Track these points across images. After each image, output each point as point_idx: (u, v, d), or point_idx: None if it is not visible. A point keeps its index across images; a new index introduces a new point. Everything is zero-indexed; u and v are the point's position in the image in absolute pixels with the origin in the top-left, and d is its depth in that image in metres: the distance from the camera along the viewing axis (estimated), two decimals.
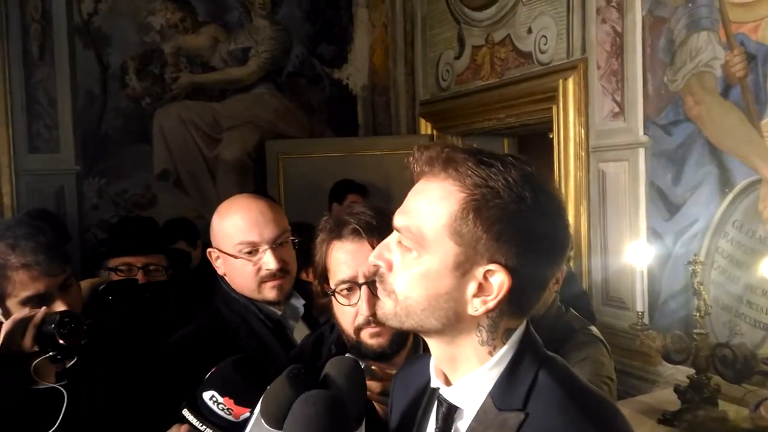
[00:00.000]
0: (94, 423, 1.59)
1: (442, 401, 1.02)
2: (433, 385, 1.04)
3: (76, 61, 4.47)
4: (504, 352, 0.97)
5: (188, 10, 4.83)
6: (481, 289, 0.94)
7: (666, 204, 3.06)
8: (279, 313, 1.86)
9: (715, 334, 2.72)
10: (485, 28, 4.21)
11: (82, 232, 4.45)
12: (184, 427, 1.36)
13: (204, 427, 1.29)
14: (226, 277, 1.86)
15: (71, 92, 4.42)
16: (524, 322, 1.00)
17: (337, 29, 5.27)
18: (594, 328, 1.93)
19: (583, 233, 3.46)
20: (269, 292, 1.81)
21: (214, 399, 1.27)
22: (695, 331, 2.38)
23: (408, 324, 0.98)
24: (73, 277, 1.64)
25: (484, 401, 0.96)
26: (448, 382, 1.02)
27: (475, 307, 0.94)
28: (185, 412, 1.31)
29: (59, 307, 1.55)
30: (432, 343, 1.01)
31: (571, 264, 3.44)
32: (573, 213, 3.50)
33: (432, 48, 4.76)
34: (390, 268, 0.98)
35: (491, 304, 0.94)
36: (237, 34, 4.98)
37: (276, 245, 1.79)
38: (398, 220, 0.99)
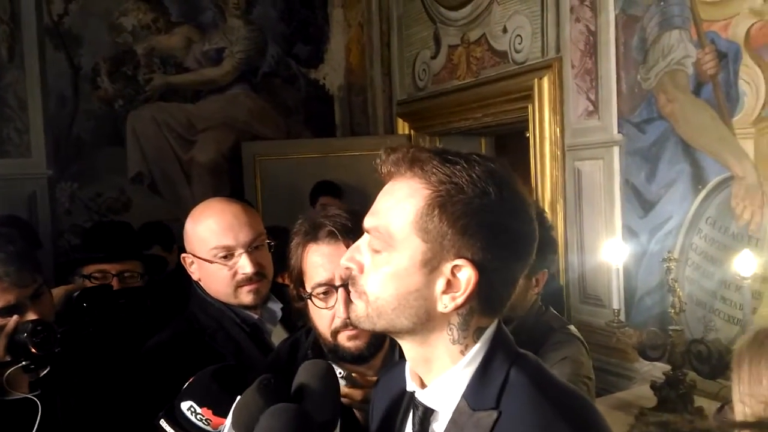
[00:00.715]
0: None
1: (417, 405, 1.02)
2: (408, 388, 1.05)
3: (47, 63, 4.39)
4: (476, 351, 0.98)
5: (161, 11, 4.77)
6: (449, 286, 0.95)
7: (641, 201, 3.09)
8: (256, 317, 1.85)
9: (690, 330, 2.75)
10: (461, 28, 4.22)
11: (55, 238, 4.38)
12: None
13: None
14: (201, 282, 1.84)
15: (42, 95, 4.34)
16: (496, 321, 1.01)
17: (313, 29, 5.25)
18: (572, 327, 1.94)
19: (560, 231, 3.48)
20: (246, 297, 1.79)
21: (192, 409, 1.26)
22: (670, 327, 2.41)
23: (380, 325, 0.99)
24: (44, 285, 1.61)
25: (459, 402, 0.97)
26: (423, 385, 1.02)
27: (445, 303, 0.95)
28: (162, 422, 1.29)
29: (31, 316, 1.53)
30: (405, 345, 1.02)
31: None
32: (549, 211, 3.52)
33: (408, 48, 4.77)
34: (361, 270, 1.00)
35: (460, 300, 0.95)
36: (211, 34, 4.93)
37: (252, 249, 1.78)
38: (367, 221, 1.00)
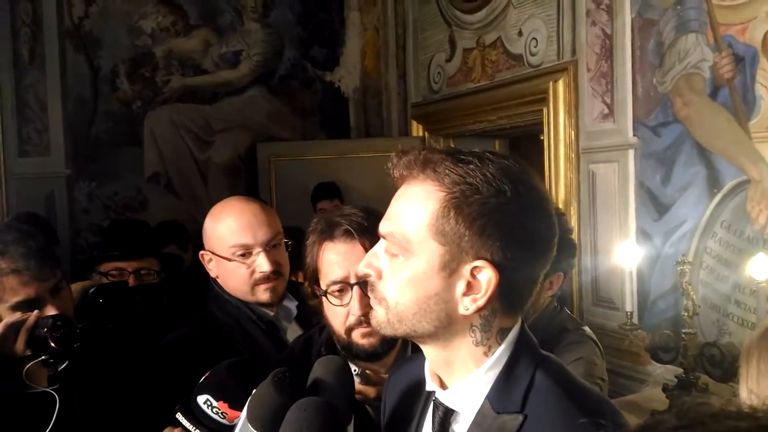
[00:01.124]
0: (87, 426, 1.59)
1: (438, 405, 1.01)
2: (428, 388, 1.04)
3: (67, 64, 4.46)
4: (500, 354, 0.97)
5: (180, 14, 4.83)
6: (470, 288, 0.93)
7: (655, 204, 3.08)
8: (272, 314, 1.87)
9: (703, 333, 2.74)
10: (476, 31, 4.23)
11: (73, 236, 4.44)
12: (177, 430, 1.36)
13: (197, 430, 1.29)
14: (218, 280, 1.86)
15: (62, 96, 4.41)
16: (519, 322, 1.00)
17: (329, 32, 5.28)
18: (587, 329, 1.94)
19: (574, 234, 3.47)
20: (263, 295, 1.81)
21: (208, 403, 1.28)
22: (683, 330, 2.40)
23: (401, 330, 0.98)
24: (63, 281, 1.64)
25: (482, 405, 0.96)
26: (443, 386, 1.01)
27: (466, 306, 0.94)
28: (178, 416, 1.31)
29: (50, 311, 1.55)
30: (427, 348, 1.01)
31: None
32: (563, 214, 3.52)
33: (423, 51, 4.78)
34: (379, 276, 0.99)
35: (481, 302, 0.93)
36: (229, 37, 4.98)
37: (269, 247, 1.80)
38: (383, 226, 0.99)
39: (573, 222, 3.49)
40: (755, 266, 2.25)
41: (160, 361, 1.77)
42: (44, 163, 4.36)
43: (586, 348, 1.80)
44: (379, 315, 0.99)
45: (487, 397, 0.96)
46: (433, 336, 0.97)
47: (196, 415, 1.29)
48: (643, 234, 3.13)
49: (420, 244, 0.94)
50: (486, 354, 0.97)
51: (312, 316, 1.84)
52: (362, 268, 1.01)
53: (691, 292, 2.42)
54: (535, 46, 3.76)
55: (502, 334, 0.98)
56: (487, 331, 0.96)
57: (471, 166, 0.93)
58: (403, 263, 0.95)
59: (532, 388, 0.94)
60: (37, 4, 4.32)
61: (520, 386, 0.95)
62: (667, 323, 2.90)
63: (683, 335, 2.38)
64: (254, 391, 1.11)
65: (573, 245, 2.00)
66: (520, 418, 0.92)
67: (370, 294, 1.01)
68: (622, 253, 2.68)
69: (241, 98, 4.99)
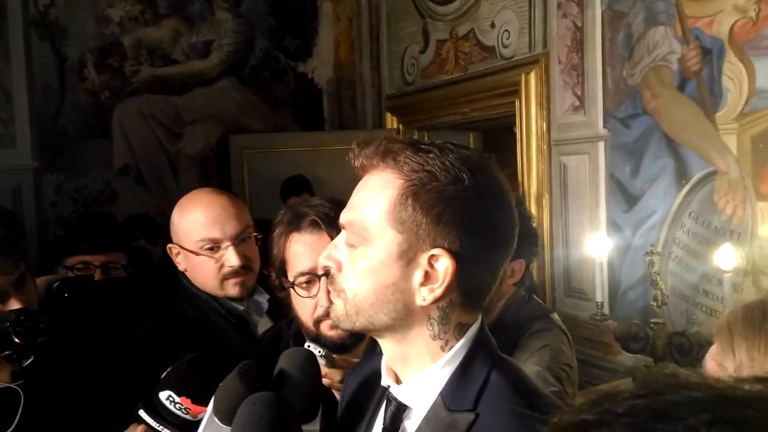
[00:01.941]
0: (52, 422, 1.56)
1: (391, 399, 1.00)
2: (383, 383, 1.03)
3: (33, 54, 4.37)
4: (457, 349, 0.96)
5: (149, 3, 4.75)
6: (427, 277, 0.92)
7: (625, 196, 3.11)
8: (241, 308, 1.85)
9: (672, 323, 2.78)
10: (449, 23, 4.22)
11: (41, 230, 4.36)
12: (141, 427, 1.34)
13: (161, 427, 1.28)
14: (187, 273, 1.83)
15: (27, 86, 4.32)
16: (479, 320, 0.99)
17: (302, 22, 5.23)
18: (555, 316, 1.96)
19: (546, 225, 3.50)
20: (232, 289, 1.79)
21: (170, 399, 1.26)
22: (652, 320, 2.43)
23: (359, 323, 0.96)
24: (28, 273, 1.61)
25: (435, 401, 0.95)
26: (398, 381, 1.00)
27: (423, 296, 0.93)
28: (141, 413, 1.29)
29: (14, 305, 1.52)
30: (384, 343, 1.00)
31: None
32: (535, 206, 3.55)
33: (397, 42, 4.77)
34: (339, 267, 0.98)
35: (438, 292, 0.92)
36: (199, 26, 4.91)
37: (238, 241, 1.77)
38: (343, 216, 0.98)
39: (545, 214, 3.52)
40: (721, 256, 2.29)
41: (126, 355, 1.74)
42: (10, 155, 4.27)
43: (553, 335, 1.82)
44: (337, 308, 0.98)
45: (441, 393, 0.95)
46: (390, 329, 0.96)
47: (159, 412, 1.27)
48: (614, 225, 3.16)
49: (378, 233, 0.93)
50: (443, 348, 0.96)
51: (283, 310, 1.84)
52: (322, 260, 1.00)
53: (660, 282, 2.46)
54: (507, 38, 3.77)
55: (461, 329, 0.97)
56: (445, 324, 0.95)
57: (431, 155, 0.92)
58: (362, 252, 0.94)
59: (486, 388, 0.94)
60: None
61: (474, 385, 0.94)
62: (637, 313, 2.94)
63: (652, 325, 2.42)
64: (220, 384, 1.09)
65: (534, 233, 2.00)
66: (472, 416, 0.92)
67: (330, 287, 1.00)
68: (592, 244, 2.70)
69: (211, 89, 4.93)
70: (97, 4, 4.59)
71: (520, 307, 1.88)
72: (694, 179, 2.81)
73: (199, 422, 1.19)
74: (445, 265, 0.91)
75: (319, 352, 1.31)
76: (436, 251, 0.91)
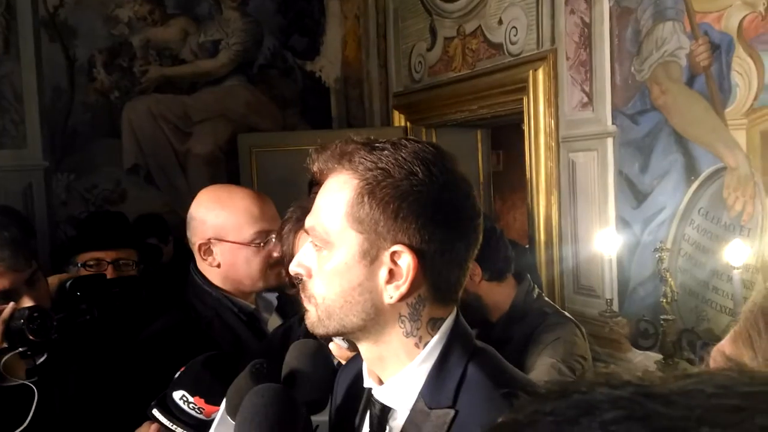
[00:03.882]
0: (66, 420, 1.58)
1: (374, 402, 1.00)
2: (366, 385, 1.03)
3: (43, 55, 4.39)
4: (432, 345, 0.96)
5: (157, 2, 4.77)
6: (392, 275, 0.93)
7: (634, 192, 3.11)
8: (252, 306, 1.86)
9: (682, 320, 2.77)
10: (457, 20, 4.22)
11: (52, 229, 4.39)
12: (154, 426, 1.36)
13: (175, 426, 1.29)
14: (221, 269, 1.82)
15: (38, 87, 4.34)
16: (453, 312, 0.99)
17: (309, 21, 5.24)
18: (566, 312, 1.97)
19: (554, 222, 3.50)
20: (274, 280, 1.82)
21: (184, 398, 1.27)
22: (662, 317, 2.43)
23: (332, 327, 0.97)
24: (39, 272, 1.63)
25: (416, 400, 0.95)
26: (381, 382, 1.00)
27: (390, 294, 0.93)
28: (155, 412, 1.30)
29: (27, 302, 1.54)
30: (360, 345, 1.00)
31: (543, 253, 3.49)
32: (544, 203, 3.54)
33: (404, 39, 4.76)
34: (309, 274, 0.97)
35: (404, 288, 0.92)
36: (207, 26, 4.92)
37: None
38: (307, 222, 0.99)
39: (553, 210, 3.52)
40: (731, 252, 2.28)
41: (140, 353, 1.75)
42: (21, 155, 4.30)
43: (566, 328, 1.83)
44: (310, 314, 0.98)
45: (420, 392, 0.95)
46: (363, 330, 0.96)
47: (173, 411, 1.28)
48: (623, 222, 3.15)
49: (339, 234, 0.93)
50: (418, 346, 0.96)
51: (292, 307, 1.85)
52: (293, 268, 1.00)
53: (670, 279, 2.45)
54: (515, 35, 3.77)
55: (434, 324, 0.96)
56: (416, 321, 0.95)
57: (385, 152, 0.93)
58: (327, 256, 0.95)
59: (464, 382, 0.94)
60: None
61: (452, 380, 0.94)
62: (647, 310, 2.94)
63: (662, 322, 2.42)
64: (232, 383, 1.11)
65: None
66: (452, 413, 0.92)
67: (302, 293, 1.00)
68: (601, 241, 2.70)
69: (220, 88, 4.94)
70: (105, 4, 4.61)
71: (531, 303, 1.89)
72: (703, 175, 2.80)
73: (212, 421, 1.20)
74: (407, 260, 0.91)
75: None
76: (396, 248, 0.91)
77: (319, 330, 0.98)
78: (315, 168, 0.98)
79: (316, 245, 0.96)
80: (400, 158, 0.92)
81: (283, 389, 1.02)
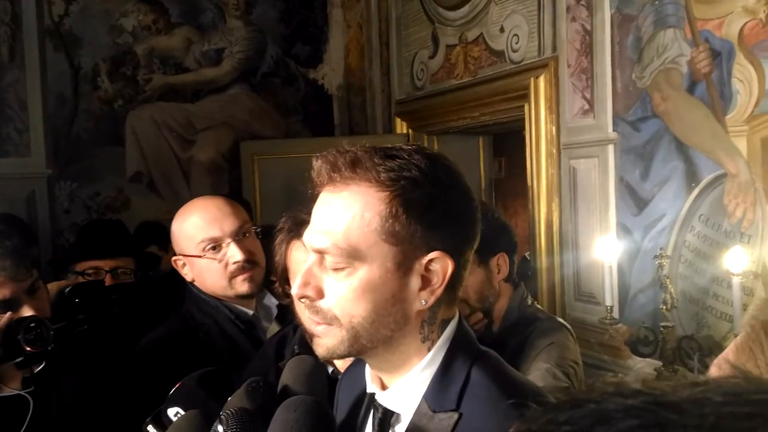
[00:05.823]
0: (62, 430, 1.58)
1: (377, 407, 1.00)
2: (368, 390, 1.02)
3: (47, 63, 4.43)
4: (437, 349, 0.96)
5: (161, 12, 4.80)
6: (425, 281, 0.92)
7: (635, 199, 3.10)
8: (251, 313, 1.86)
9: (683, 326, 2.76)
10: (458, 28, 4.23)
11: (54, 237, 4.41)
12: None
13: None
14: (195, 283, 1.85)
15: (42, 95, 4.37)
16: (456, 315, 0.99)
17: (312, 29, 5.26)
18: (558, 318, 1.98)
19: (555, 229, 3.49)
20: (241, 286, 1.80)
21: (179, 415, 1.27)
22: (662, 323, 2.42)
23: (356, 346, 0.93)
24: (40, 281, 1.63)
25: (419, 404, 0.94)
26: (383, 386, 1.00)
27: (424, 299, 0.93)
28: (150, 428, 1.30)
29: (27, 311, 1.54)
30: (375, 355, 0.97)
31: (543, 259, 3.48)
32: (545, 209, 3.54)
33: (407, 47, 4.78)
34: (321, 294, 0.93)
35: (439, 292, 0.93)
36: (211, 35, 4.95)
37: (239, 237, 1.79)
38: (318, 241, 0.93)
39: (554, 217, 3.51)
40: (731, 259, 2.27)
41: (138, 362, 1.76)
42: (25, 163, 4.32)
43: (559, 333, 1.84)
44: (329, 338, 0.93)
45: (424, 396, 0.94)
46: (387, 341, 0.94)
47: (167, 427, 1.28)
48: (623, 228, 3.14)
49: (370, 250, 0.90)
50: (429, 348, 0.96)
51: (290, 315, 1.84)
52: (300, 290, 0.94)
53: (670, 286, 2.44)
54: (517, 43, 3.77)
55: (443, 325, 0.97)
56: (432, 324, 0.96)
57: (401, 160, 0.91)
58: (351, 274, 0.91)
59: (468, 386, 0.93)
60: (16, 3, 4.28)
61: (456, 384, 0.94)
62: (647, 317, 2.92)
63: (662, 328, 2.41)
64: (228, 400, 1.10)
65: (506, 225, 2.00)
66: (456, 416, 0.91)
67: (313, 316, 0.95)
68: (602, 248, 2.69)
69: (223, 96, 4.96)
70: (110, 13, 4.64)
71: (524, 308, 1.90)
72: (703, 182, 2.79)
73: None
74: (443, 265, 0.92)
75: None
76: (433, 254, 0.91)
77: (341, 351, 0.94)
78: (320, 178, 0.94)
79: (333, 266, 0.91)
80: (420, 165, 0.90)
81: (314, 401, 0.99)
